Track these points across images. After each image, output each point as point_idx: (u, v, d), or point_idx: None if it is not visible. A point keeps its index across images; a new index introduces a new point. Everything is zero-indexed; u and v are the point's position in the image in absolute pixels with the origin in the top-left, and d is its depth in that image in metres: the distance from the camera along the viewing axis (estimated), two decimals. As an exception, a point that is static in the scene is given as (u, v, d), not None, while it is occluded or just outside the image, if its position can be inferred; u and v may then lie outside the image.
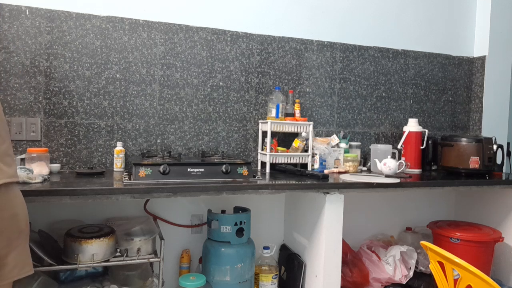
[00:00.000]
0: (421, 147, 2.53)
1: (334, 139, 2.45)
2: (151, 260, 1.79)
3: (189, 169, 1.81)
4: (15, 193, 1.13)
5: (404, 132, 2.55)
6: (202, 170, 1.82)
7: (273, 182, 1.83)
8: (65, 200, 1.50)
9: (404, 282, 2.24)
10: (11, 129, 1.98)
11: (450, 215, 2.81)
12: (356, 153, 2.44)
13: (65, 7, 2.06)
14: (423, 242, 1.44)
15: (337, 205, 1.91)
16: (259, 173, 2.13)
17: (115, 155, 2.07)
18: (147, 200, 2.14)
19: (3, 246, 1.08)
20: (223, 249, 1.99)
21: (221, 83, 2.34)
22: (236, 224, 2.00)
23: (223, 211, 2.19)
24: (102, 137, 2.13)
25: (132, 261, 1.75)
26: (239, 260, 1.99)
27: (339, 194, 1.91)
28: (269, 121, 2.21)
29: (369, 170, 2.50)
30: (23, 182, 1.54)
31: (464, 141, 2.37)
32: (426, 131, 2.57)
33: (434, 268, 1.41)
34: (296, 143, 2.29)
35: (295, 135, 2.38)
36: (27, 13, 1.99)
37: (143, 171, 1.73)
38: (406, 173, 2.42)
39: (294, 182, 1.88)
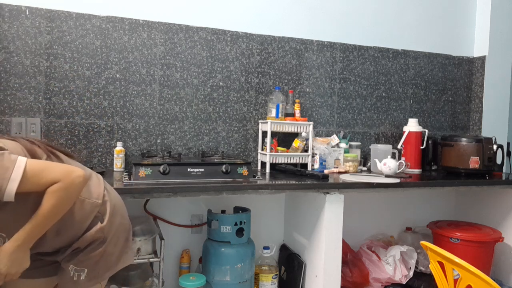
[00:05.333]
0: (421, 147, 2.53)
1: (334, 139, 2.45)
2: (151, 260, 1.80)
3: (189, 169, 1.81)
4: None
5: (404, 132, 2.55)
6: (202, 170, 1.82)
7: (273, 182, 1.83)
8: (65, 200, 1.50)
9: (404, 282, 2.24)
10: (11, 129, 1.98)
11: (450, 215, 2.81)
12: (356, 153, 2.44)
13: (65, 7, 2.06)
14: (423, 242, 1.44)
15: (337, 205, 1.91)
16: (259, 173, 2.13)
17: (115, 155, 2.07)
18: (147, 200, 2.14)
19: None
20: (223, 249, 1.99)
21: (221, 83, 2.34)
22: (236, 224, 2.00)
23: (223, 211, 2.19)
24: (102, 137, 2.13)
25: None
26: (239, 260, 1.99)
27: (339, 194, 1.91)
28: (269, 121, 2.21)
29: (369, 170, 2.50)
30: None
31: (464, 141, 2.37)
32: (426, 131, 2.57)
33: (434, 268, 1.41)
34: (296, 143, 2.29)
35: (295, 135, 2.38)
36: (27, 13, 1.99)
37: (143, 171, 1.73)
38: (406, 173, 2.42)
39: (294, 182, 1.88)
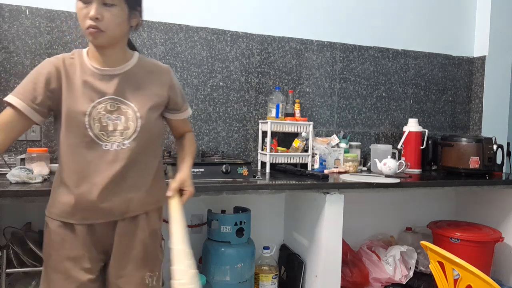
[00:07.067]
0: (421, 147, 2.53)
1: (334, 139, 2.45)
2: (151, 260, 1.79)
3: (189, 169, 1.80)
4: None
5: (404, 132, 2.54)
6: (202, 170, 1.82)
7: (273, 182, 1.83)
8: (65, 200, 1.50)
9: (404, 282, 2.24)
10: (11, 129, 1.97)
11: (450, 215, 2.81)
12: (356, 153, 2.44)
13: (65, 7, 2.05)
14: (423, 242, 1.44)
15: (337, 205, 1.91)
16: (259, 173, 2.13)
17: (115, 155, 2.06)
18: (147, 200, 2.13)
19: None
20: (223, 249, 1.99)
21: (221, 83, 2.34)
22: (236, 224, 2.00)
23: (223, 211, 2.19)
24: (102, 137, 2.12)
25: (132, 261, 1.75)
26: (239, 260, 1.99)
27: (339, 194, 1.91)
28: (269, 121, 2.21)
29: (369, 170, 2.50)
30: (23, 182, 1.54)
31: (464, 141, 2.37)
32: (426, 131, 2.57)
33: (434, 268, 1.41)
34: (296, 143, 2.29)
35: (295, 135, 2.38)
36: (27, 13, 1.99)
37: (143, 171, 1.73)
38: (406, 173, 2.42)
39: (294, 182, 1.88)
